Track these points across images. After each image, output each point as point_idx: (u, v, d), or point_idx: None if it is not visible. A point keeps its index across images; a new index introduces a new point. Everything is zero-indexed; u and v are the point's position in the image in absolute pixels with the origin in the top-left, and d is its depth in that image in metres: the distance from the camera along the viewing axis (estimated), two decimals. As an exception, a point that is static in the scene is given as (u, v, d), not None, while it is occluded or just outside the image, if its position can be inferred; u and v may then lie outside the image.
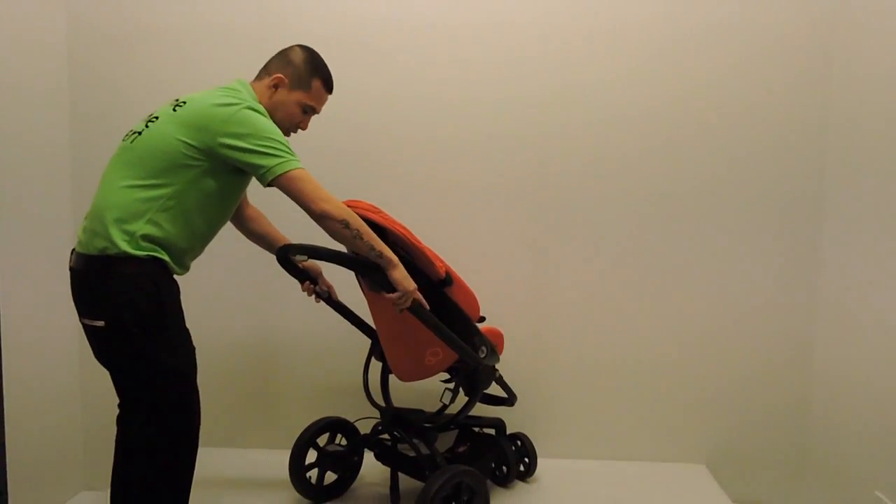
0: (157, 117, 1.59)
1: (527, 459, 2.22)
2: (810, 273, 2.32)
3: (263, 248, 1.97)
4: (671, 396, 2.41)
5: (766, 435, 2.38)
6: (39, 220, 2.20)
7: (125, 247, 1.50)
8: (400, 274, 1.64)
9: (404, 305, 1.67)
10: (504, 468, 2.15)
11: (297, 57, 1.73)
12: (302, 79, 1.73)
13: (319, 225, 1.58)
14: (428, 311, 1.73)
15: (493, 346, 1.94)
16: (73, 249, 1.61)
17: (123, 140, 1.62)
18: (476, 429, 2.18)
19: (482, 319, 2.05)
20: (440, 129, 2.38)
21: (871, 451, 2.00)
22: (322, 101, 1.80)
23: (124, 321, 1.52)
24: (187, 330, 1.67)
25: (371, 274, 1.66)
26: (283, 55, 1.75)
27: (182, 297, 2.42)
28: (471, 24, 2.34)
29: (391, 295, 1.66)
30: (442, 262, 1.83)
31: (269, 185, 1.55)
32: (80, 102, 2.37)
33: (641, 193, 2.36)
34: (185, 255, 1.62)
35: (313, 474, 2.09)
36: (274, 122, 1.66)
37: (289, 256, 1.69)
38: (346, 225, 1.56)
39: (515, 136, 2.36)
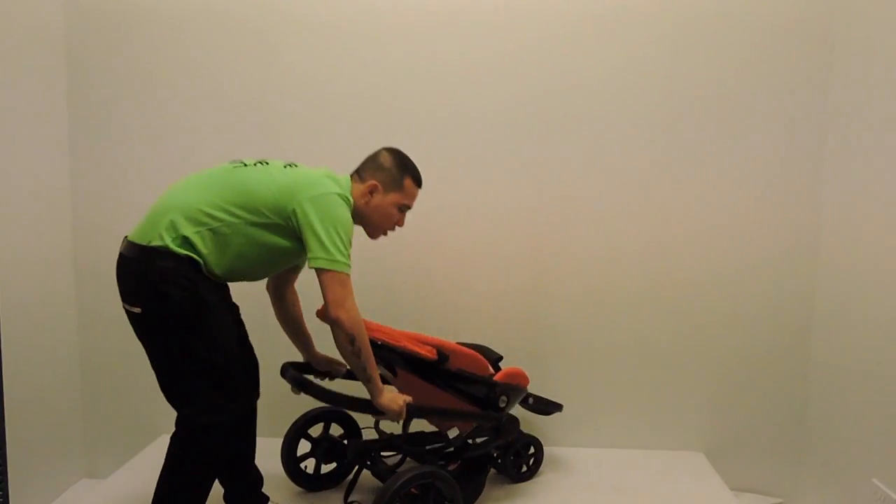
0: (268, 163, 1.72)
1: (531, 462, 2.20)
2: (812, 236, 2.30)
3: (286, 330, 2.01)
4: (670, 384, 2.40)
5: (764, 423, 2.38)
6: (39, 215, 2.20)
7: (167, 241, 1.57)
8: (385, 399, 1.71)
9: (400, 420, 1.76)
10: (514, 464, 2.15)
11: (387, 161, 1.81)
12: (395, 180, 1.80)
13: (330, 325, 1.65)
14: (430, 410, 1.80)
15: (513, 387, 1.97)
16: (126, 236, 1.68)
17: (230, 163, 1.72)
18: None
19: (499, 361, 2.06)
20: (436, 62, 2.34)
21: (869, 439, 1.99)
22: (414, 198, 1.88)
23: (159, 311, 1.58)
24: (236, 333, 1.73)
25: (359, 407, 1.74)
26: (374, 160, 1.82)
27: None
28: None
29: (382, 417, 1.76)
30: (430, 343, 1.86)
31: (311, 267, 1.62)
32: (78, 93, 2.36)
33: (637, 139, 2.33)
34: (216, 275, 1.66)
35: (310, 464, 2.10)
36: (371, 224, 1.82)
37: (283, 376, 1.85)
38: (352, 340, 1.63)
39: (512, 70, 2.33)
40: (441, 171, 2.35)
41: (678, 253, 2.35)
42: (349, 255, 1.63)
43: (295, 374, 1.81)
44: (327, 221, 1.60)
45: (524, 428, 2.21)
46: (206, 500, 1.67)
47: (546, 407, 2.20)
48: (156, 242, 1.57)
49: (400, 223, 1.87)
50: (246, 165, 1.70)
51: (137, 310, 1.59)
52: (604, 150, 2.33)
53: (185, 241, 1.58)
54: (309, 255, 1.61)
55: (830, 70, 2.23)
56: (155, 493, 1.65)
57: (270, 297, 1.97)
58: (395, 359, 1.83)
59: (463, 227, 2.38)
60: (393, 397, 1.73)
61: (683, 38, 2.27)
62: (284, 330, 1.99)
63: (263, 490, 1.95)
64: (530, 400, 2.13)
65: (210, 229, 1.60)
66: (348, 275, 1.62)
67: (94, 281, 2.39)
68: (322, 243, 1.58)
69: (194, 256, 1.59)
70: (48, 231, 2.26)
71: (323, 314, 1.91)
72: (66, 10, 2.32)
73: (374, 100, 2.35)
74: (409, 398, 1.76)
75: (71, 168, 2.36)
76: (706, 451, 2.40)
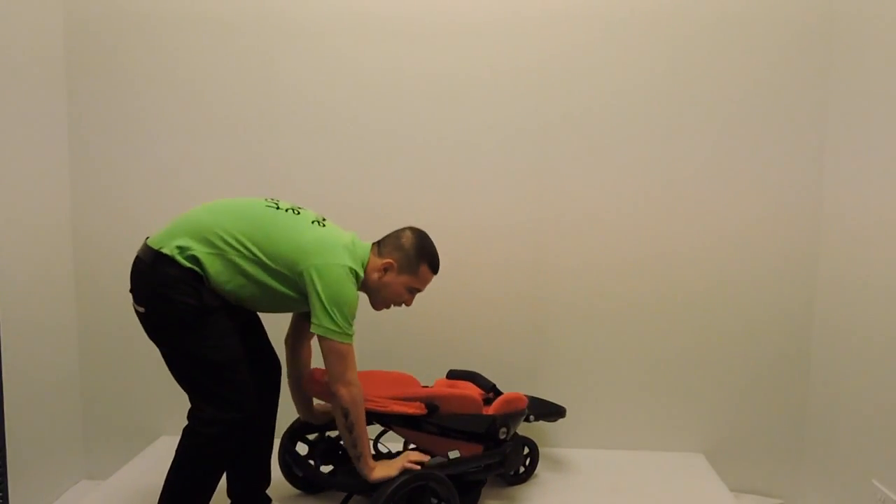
0: (299, 212, 1.75)
1: (527, 463, 2.20)
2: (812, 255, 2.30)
3: (290, 386, 2.00)
4: (670, 385, 2.40)
5: (764, 424, 2.37)
6: (39, 216, 2.21)
7: (176, 252, 1.63)
8: (377, 474, 1.72)
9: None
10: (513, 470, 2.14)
11: (408, 242, 1.82)
12: (410, 263, 1.81)
13: (329, 396, 1.71)
14: (430, 465, 1.78)
15: (511, 414, 1.95)
16: (146, 238, 1.72)
17: (265, 200, 1.76)
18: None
19: (496, 389, 2.04)
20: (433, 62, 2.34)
21: (869, 439, 1.99)
22: (427, 283, 1.88)
23: (161, 312, 1.65)
24: (239, 334, 1.72)
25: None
26: (396, 238, 1.83)
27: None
28: None
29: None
30: (418, 397, 1.86)
31: (312, 332, 1.67)
32: (77, 98, 2.36)
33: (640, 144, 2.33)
34: (217, 290, 1.68)
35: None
36: (378, 298, 1.84)
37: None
38: (346, 414, 1.67)
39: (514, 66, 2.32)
40: (442, 180, 2.36)
41: (679, 257, 2.34)
42: (350, 326, 1.66)
43: (310, 468, 1.89)
44: (331, 294, 1.63)
45: (518, 429, 2.21)
46: (212, 493, 1.69)
47: (549, 416, 2.18)
48: (166, 250, 1.63)
49: (407, 303, 1.88)
50: (278, 208, 1.73)
51: (142, 309, 1.67)
52: (603, 160, 2.33)
53: (193, 258, 1.63)
54: (312, 319, 1.65)
55: (830, 76, 2.22)
56: (164, 484, 1.68)
57: (286, 349, 1.98)
58: (387, 419, 1.85)
59: (465, 234, 2.37)
60: (389, 466, 1.74)
61: (686, 50, 2.27)
62: (289, 384, 1.99)
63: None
64: (531, 418, 2.12)
65: (221, 255, 1.64)
66: (349, 345, 1.66)
67: (93, 282, 2.39)
68: (327, 314, 1.62)
69: (198, 271, 1.64)
70: (48, 232, 2.27)
71: (308, 385, 1.95)
72: (66, 13, 2.32)
73: (374, 109, 2.34)
74: (412, 457, 1.77)
75: (71, 171, 2.37)
76: (706, 451, 2.40)
